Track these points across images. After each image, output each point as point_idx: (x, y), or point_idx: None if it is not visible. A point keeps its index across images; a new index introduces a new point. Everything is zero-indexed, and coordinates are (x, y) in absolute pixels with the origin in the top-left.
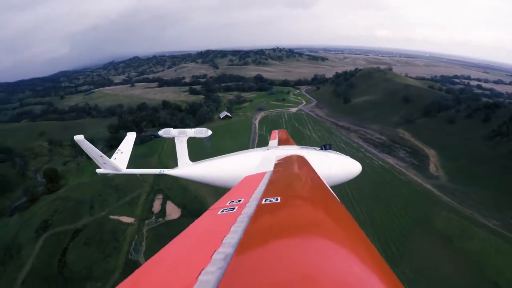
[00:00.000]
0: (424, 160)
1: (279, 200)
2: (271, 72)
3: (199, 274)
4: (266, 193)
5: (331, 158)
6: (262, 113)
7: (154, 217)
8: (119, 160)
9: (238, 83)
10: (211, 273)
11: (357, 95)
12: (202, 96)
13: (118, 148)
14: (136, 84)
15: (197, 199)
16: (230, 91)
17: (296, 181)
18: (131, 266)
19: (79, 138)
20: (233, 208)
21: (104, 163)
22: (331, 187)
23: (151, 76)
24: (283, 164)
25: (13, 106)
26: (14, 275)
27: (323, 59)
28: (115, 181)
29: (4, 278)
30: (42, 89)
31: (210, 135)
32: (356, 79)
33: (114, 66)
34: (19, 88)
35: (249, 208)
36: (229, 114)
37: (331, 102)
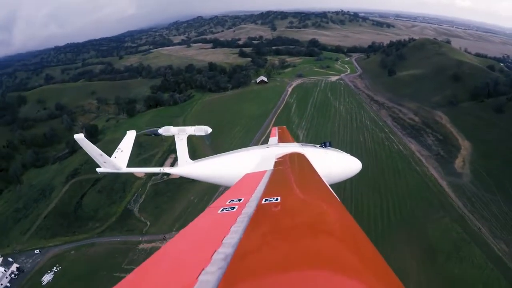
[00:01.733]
0: (453, 152)
1: (279, 200)
2: (328, 36)
3: (199, 274)
4: (266, 192)
5: (331, 156)
6: (300, 80)
7: (160, 174)
8: (119, 159)
9: (289, 46)
10: (211, 273)
11: (404, 68)
12: (249, 59)
13: (118, 147)
14: (193, 44)
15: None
16: (279, 54)
17: (296, 180)
18: (125, 214)
19: (79, 136)
20: (233, 208)
21: (104, 162)
22: (332, 185)
23: (209, 36)
24: (283, 163)
25: (76, 66)
26: (41, 210)
27: (388, 25)
28: (140, 139)
29: (34, 212)
30: (106, 49)
31: (210, 133)
32: (408, 50)
33: (177, 26)
34: (85, 48)
35: (249, 208)
36: (265, 79)
37: (375, 73)
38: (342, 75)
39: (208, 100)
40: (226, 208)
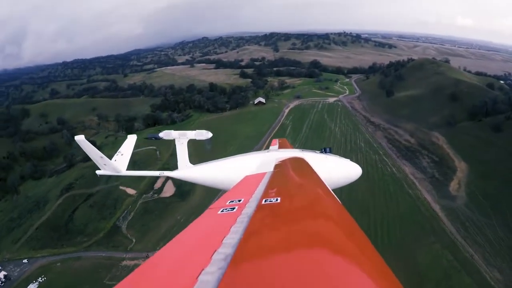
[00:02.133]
0: (448, 174)
1: (279, 201)
2: (330, 57)
3: (199, 274)
4: (266, 193)
5: (331, 161)
6: (297, 102)
7: (151, 193)
8: (119, 162)
9: (290, 68)
10: (211, 273)
11: (402, 89)
12: (249, 80)
13: (119, 150)
14: (196, 65)
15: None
16: (280, 76)
17: (296, 181)
18: (113, 230)
19: (79, 138)
20: (233, 208)
21: (105, 164)
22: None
23: (213, 57)
24: (283, 165)
25: (81, 82)
26: (34, 221)
27: (390, 46)
28: (136, 157)
29: (27, 223)
30: (112, 66)
31: (211, 138)
32: (406, 70)
33: (183, 46)
34: (91, 64)
35: (249, 209)
36: (263, 100)
37: (374, 94)
38: (341, 96)
39: (205, 120)
40: (226, 209)
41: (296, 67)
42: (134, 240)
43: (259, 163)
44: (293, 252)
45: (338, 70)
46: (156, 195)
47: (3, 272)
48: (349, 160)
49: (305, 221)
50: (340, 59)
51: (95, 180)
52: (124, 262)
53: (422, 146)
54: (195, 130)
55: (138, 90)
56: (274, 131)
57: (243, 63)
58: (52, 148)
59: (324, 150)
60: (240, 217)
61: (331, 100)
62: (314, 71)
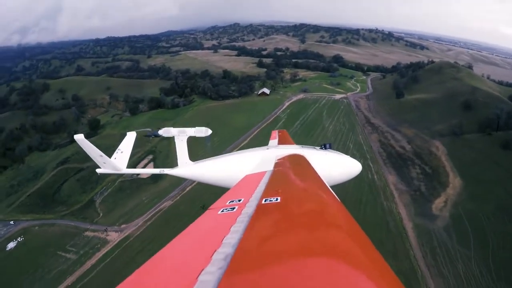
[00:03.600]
0: (437, 189)
1: (279, 200)
2: (355, 53)
3: (199, 274)
4: (266, 193)
5: (331, 157)
6: (302, 95)
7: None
8: (119, 160)
9: (310, 60)
10: (211, 273)
11: (414, 91)
12: (264, 70)
13: (118, 147)
14: (220, 50)
15: (171, 165)
16: (297, 67)
17: (296, 181)
18: (89, 204)
19: (79, 137)
20: (233, 208)
21: (104, 163)
22: (331, 187)
23: (238, 44)
24: (283, 164)
25: (106, 60)
26: (28, 189)
27: (422, 47)
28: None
29: (23, 190)
30: (140, 46)
31: (210, 135)
32: (424, 72)
33: (213, 30)
34: (121, 43)
35: (249, 208)
36: (266, 91)
37: (385, 95)
38: (349, 94)
39: (204, 107)
40: (226, 209)
41: (316, 60)
42: (101, 214)
43: (259, 161)
44: (293, 252)
45: (358, 67)
46: (135, 175)
47: None
48: (349, 156)
49: (305, 220)
50: (365, 56)
51: (88, 156)
52: (86, 233)
53: (417, 154)
54: (195, 127)
55: (156, 72)
56: (265, 124)
57: (265, 52)
58: (60, 123)
59: (324, 146)
60: (240, 217)
61: (338, 96)
62: (332, 65)
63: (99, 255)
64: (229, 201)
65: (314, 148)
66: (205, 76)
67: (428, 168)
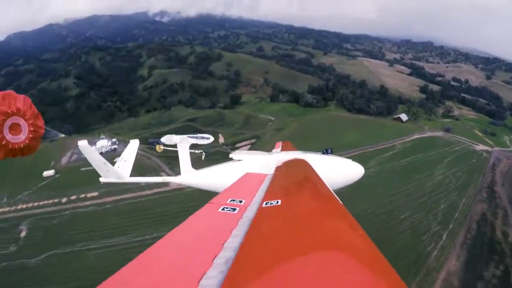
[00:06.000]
0: None
1: (279, 203)
2: None
3: (200, 279)
4: (267, 196)
5: (333, 161)
6: (439, 133)
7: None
8: (122, 168)
9: (481, 100)
10: (212, 277)
11: None
12: (424, 96)
13: (121, 156)
14: (397, 65)
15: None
16: (465, 104)
17: (297, 184)
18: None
19: (82, 144)
20: (234, 209)
21: (108, 171)
22: (334, 191)
23: (418, 63)
24: (284, 167)
25: (285, 47)
26: (157, 130)
27: None
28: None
29: (152, 130)
30: (325, 42)
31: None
32: None
33: (404, 43)
34: (310, 35)
35: (250, 212)
36: (402, 118)
37: None
38: (496, 148)
39: (333, 114)
40: (227, 208)
41: (487, 101)
42: None
43: (261, 165)
44: (294, 256)
45: None
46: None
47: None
48: (351, 160)
49: (306, 223)
50: None
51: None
52: None
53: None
54: (197, 134)
55: (321, 70)
56: (373, 149)
57: (440, 79)
58: (211, 90)
59: (326, 151)
60: (242, 221)
61: (479, 148)
62: (503, 113)
63: None
64: (230, 200)
65: (316, 153)
66: (361, 85)
67: None
